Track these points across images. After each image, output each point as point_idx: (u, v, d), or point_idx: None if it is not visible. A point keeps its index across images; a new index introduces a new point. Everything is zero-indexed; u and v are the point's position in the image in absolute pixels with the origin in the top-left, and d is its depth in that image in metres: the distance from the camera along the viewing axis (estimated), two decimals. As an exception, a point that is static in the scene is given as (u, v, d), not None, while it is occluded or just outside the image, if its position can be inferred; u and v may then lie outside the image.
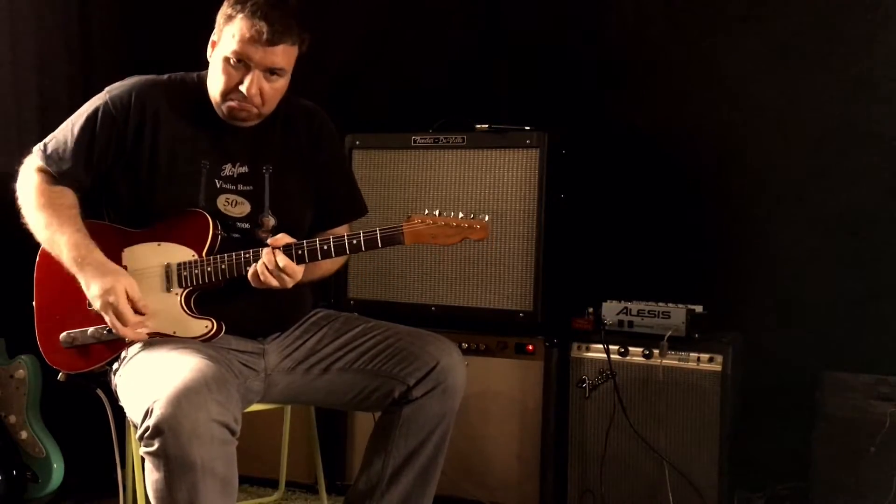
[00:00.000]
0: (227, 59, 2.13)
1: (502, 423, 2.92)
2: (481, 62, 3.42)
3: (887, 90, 2.98)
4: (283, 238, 2.13)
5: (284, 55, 2.14)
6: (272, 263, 2.09)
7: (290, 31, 2.12)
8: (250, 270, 2.11)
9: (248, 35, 2.09)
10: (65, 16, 3.33)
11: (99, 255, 2.11)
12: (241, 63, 2.12)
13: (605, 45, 3.31)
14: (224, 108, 2.19)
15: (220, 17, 2.16)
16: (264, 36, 2.08)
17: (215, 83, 2.17)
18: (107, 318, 2.08)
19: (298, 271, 2.12)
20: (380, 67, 3.53)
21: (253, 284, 2.13)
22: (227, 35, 2.13)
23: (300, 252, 2.11)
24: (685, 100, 3.22)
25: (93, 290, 2.07)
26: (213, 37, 2.19)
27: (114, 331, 2.09)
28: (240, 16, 2.10)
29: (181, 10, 3.39)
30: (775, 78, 3.10)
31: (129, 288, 2.08)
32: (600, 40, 3.32)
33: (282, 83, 2.19)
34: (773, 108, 3.11)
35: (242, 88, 2.13)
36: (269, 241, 2.13)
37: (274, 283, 2.11)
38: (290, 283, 2.12)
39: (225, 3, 2.16)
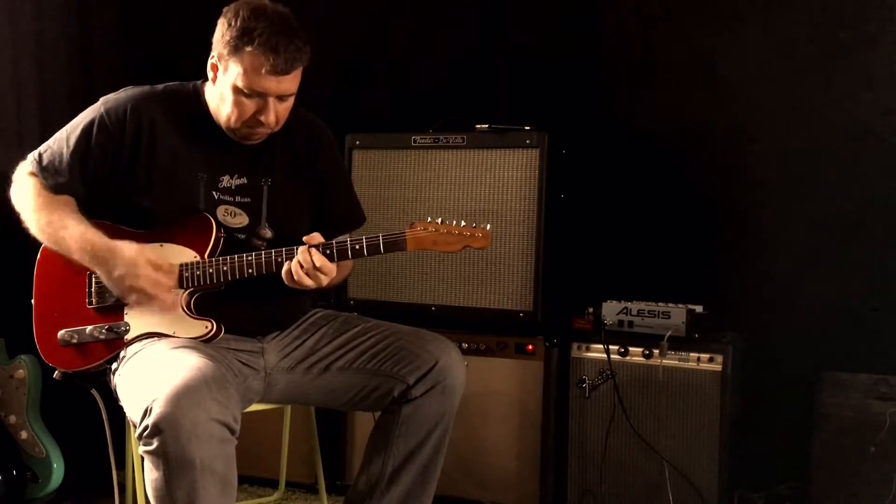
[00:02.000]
0: (239, 90, 2.12)
1: (502, 423, 2.92)
2: (481, 62, 3.42)
3: (887, 90, 2.97)
4: (317, 237, 2.14)
5: (296, 77, 2.15)
6: (308, 262, 2.09)
7: (299, 54, 2.12)
8: (284, 268, 2.12)
9: (262, 69, 2.08)
10: (65, 18, 3.33)
11: (105, 240, 2.12)
12: (255, 94, 2.12)
13: (605, 45, 3.31)
14: (239, 133, 2.19)
15: (221, 45, 2.12)
16: (279, 68, 2.08)
17: (227, 111, 2.16)
18: (132, 298, 2.10)
19: (333, 269, 2.13)
20: (379, 67, 3.53)
21: (287, 284, 2.13)
22: (236, 66, 2.10)
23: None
24: (685, 100, 3.22)
25: (117, 273, 2.08)
26: (214, 59, 2.16)
27: (153, 305, 2.10)
28: (248, 48, 2.08)
29: (181, 15, 3.40)
30: (775, 78, 3.10)
31: (148, 253, 2.09)
32: (600, 40, 3.32)
33: (292, 100, 2.20)
34: (773, 108, 3.11)
35: (262, 118, 2.14)
36: (304, 238, 2.13)
37: (308, 281, 2.11)
38: (325, 281, 2.13)
39: (225, 29, 2.12)
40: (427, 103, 3.30)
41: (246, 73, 2.09)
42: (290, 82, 2.13)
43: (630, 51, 3.29)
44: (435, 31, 3.48)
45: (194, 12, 2.24)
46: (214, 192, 2.23)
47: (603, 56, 3.31)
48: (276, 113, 2.15)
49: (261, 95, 2.12)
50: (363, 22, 3.55)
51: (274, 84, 2.10)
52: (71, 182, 2.19)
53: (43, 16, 3.23)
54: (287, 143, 2.33)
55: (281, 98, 2.15)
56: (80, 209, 2.21)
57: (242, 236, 2.24)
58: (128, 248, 2.09)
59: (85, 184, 2.20)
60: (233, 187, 2.25)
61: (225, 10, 2.15)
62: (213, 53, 2.17)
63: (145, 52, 3.52)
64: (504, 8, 3.41)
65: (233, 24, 2.10)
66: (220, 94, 2.17)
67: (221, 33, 2.13)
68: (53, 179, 2.19)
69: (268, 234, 2.26)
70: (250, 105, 2.13)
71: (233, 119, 2.16)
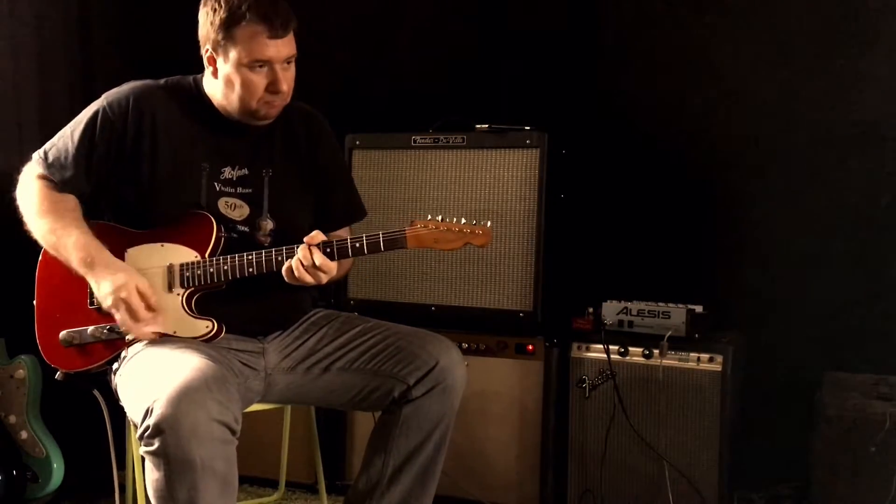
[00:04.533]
0: (245, 67, 2.14)
1: (502, 423, 2.92)
2: (481, 62, 3.42)
3: (887, 90, 2.98)
4: (318, 235, 2.13)
5: (292, 40, 2.18)
6: (308, 260, 2.10)
7: (288, 16, 2.15)
8: (284, 266, 2.12)
9: (261, 38, 2.11)
10: (65, 18, 3.33)
11: (107, 254, 2.11)
12: (261, 66, 2.14)
13: (605, 44, 3.31)
14: (259, 114, 2.20)
15: (213, 34, 2.14)
16: (276, 31, 2.12)
17: (239, 95, 2.17)
18: (117, 316, 2.07)
19: (333, 267, 2.13)
20: (380, 67, 3.53)
21: (287, 280, 2.13)
22: (234, 46, 2.13)
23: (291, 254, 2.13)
24: (685, 99, 3.22)
25: (104, 288, 2.07)
26: (209, 51, 2.18)
27: (123, 329, 2.09)
28: (240, 26, 2.11)
29: (181, 12, 3.39)
30: (775, 77, 3.10)
31: (141, 284, 2.08)
32: (600, 40, 3.32)
33: (294, 67, 2.22)
34: (773, 108, 3.11)
35: (278, 88, 2.16)
36: (305, 238, 2.13)
37: (309, 279, 2.11)
38: (324, 279, 2.13)
39: (212, 18, 2.14)
40: (427, 103, 3.30)
41: (247, 47, 2.12)
42: (289, 45, 2.16)
43: (630, 51, 3.29)
44: (435, 31, 3.48)
45: (195, 11, 2.23)
46: (216, 184, 2.24)
47: (603, 56, 3.31)
48: (286, 80, 2.18)
49: (267, 64, 2.14)
50: (363, 22, 3.55)
51: (274, 49, 2.13)
52: (77, 177, 2.19)
53: (43, 15, 3.23)
54: (287, 135, 2.33)
55: (286, 63, 2.17)
56: (83, 209, 2.21)
57: (244, 228, 2.25)
58: (122, 272, 2.08)
59: (90, 180, 2.20)
60: (234, 178, 2.26)
61: (203, 1, 2.18)
62: (206, 47, 2.18)
63: (145, 51, 3.51)
64: (504, 8, 3.41)
65: (217, 10, 2.14)
66: (227, 80, 2.18)
67: (209, 23, 2.16)
68: (60, 175, 2.19)
69: (269, 224, 2.26)
70: (260, 80, 2.15)
71: (247, 99, 2.17)
